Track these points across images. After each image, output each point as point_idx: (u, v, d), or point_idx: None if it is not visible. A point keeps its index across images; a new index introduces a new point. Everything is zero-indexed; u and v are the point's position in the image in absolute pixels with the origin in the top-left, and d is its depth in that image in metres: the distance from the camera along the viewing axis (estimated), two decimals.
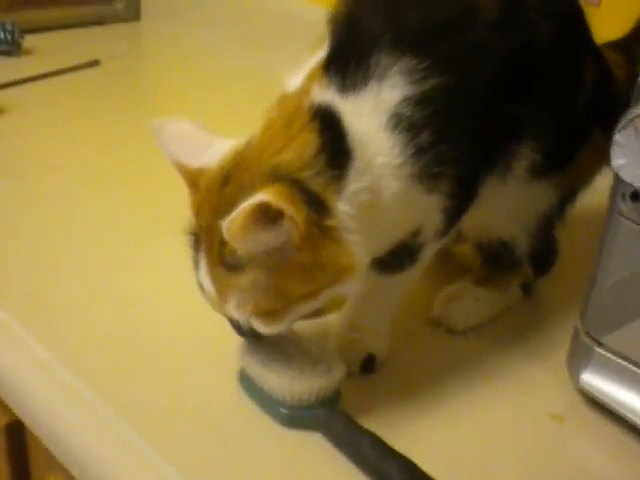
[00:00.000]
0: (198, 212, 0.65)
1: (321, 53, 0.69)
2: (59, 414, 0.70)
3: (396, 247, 0.70)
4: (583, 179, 0.86)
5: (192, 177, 0.66)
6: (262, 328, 0.64)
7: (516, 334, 0.83)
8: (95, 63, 1.50)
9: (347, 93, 0.65)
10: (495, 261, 0.86)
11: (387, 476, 0.61)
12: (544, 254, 0.87)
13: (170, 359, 0.76)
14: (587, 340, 0.72)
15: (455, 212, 0.72)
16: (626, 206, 0.67)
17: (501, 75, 0.70)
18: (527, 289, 0.88)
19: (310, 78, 0.67)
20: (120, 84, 1.48)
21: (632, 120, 0.63)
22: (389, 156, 0.64)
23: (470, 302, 0.82)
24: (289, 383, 0.67)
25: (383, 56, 0.64)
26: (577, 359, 0.73)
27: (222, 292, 0.63)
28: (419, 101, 0.65)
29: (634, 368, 0.69)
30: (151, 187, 1.06)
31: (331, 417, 0.66)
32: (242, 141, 0.65)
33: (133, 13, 1.78)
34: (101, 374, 0.73)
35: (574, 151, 0.81)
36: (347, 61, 0.66)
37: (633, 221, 0.67)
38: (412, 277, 0.75)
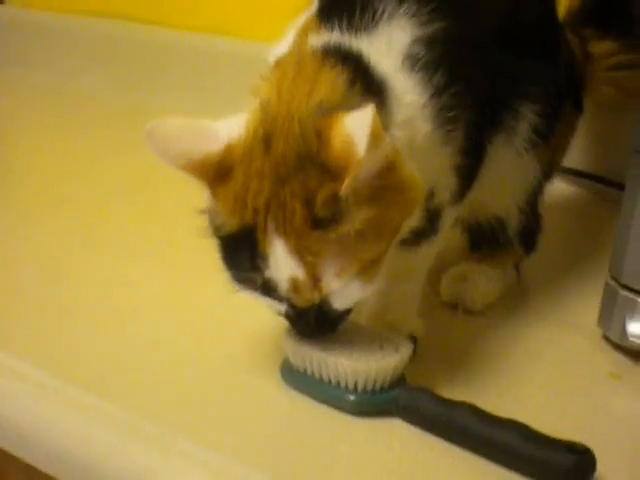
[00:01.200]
0: (245, 196, 0.57)
1: (304, 16, 0.67)
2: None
3: None
4: (560, 154, 0.87)
5: (215, 165, 0.57)
6: (361, 291, 0.57)
7: (526, 311, 0.81)
8: None
9: (359, 33, 0.62)
10: (488, 242, 0.83)
11: (503, 442, 0.56)
12: (531, 231, 0.86)
13: (202, 366, 0.68)
14: (627, 293, 0.71)
15: (467, 172, 0.70)
16: None
17: (502, 26, 0.71)
18: (517, 270, 0.86)
19: (301, 35, 0.65)
20: None
21: None
22: (414, 94, 0.62)
23: (482, 280, 0.80)
24: (361, 366, 0.60)
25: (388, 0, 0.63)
26: (618, 316, 0.71)
27: (317, 264, 0.56)
28: (428, 42, 0.63)
29: None
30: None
31: (412, 395, 0.60)
32: (255, 108, 0.59)
33: None
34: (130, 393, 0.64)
35: (555, 122, 0.81)
36: (350, 6, 0.63)
37: None
38: (435, 250, 0.72)
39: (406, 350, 0.62)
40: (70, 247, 0.90)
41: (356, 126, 0.52)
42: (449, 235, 0.86)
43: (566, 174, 1.03)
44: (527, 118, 0.75)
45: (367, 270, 0.57)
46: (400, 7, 0.63)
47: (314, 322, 0.59)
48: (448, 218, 0.71)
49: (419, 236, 0.68)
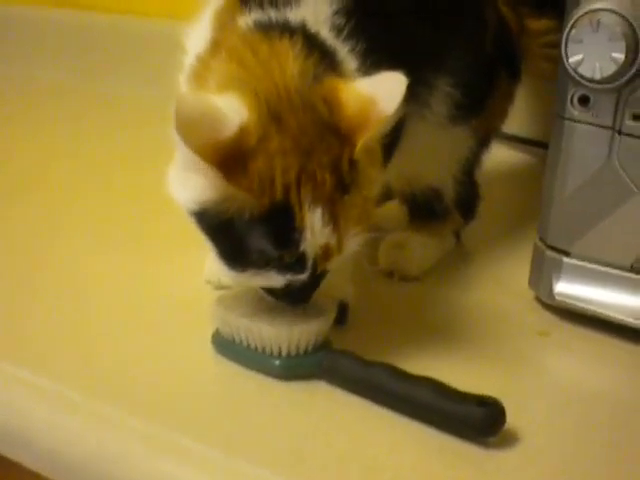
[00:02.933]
0: (272, 175, 0.56)
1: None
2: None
3: None
4: (495, 124, 0.88)
5: (230, 152, 0.55)
6: (355, 247, 0.60)
7: (463, 276, 0.82)
8: None
9: (285, 7, 0.64)
10: (426, 211, 0.85)
11: (419, 399, 0.57)
12: (469, 199, 0.87)
13: (138, 333, 0.70)
14: (553, 254, 0.72)
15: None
16: (576, 109, 0.68)
17: None
18: (457, 237, 0.88)
19: (223, 15, 0.66)
20: None
21: (585, 14, 0.64)
22: (349, 62, 0.64)
23: (418, 248, 0.81)
24: (284, 331, 0.62)
25: None
26: (545, 276, 0.73)
27: (345, 227, 0.58)
28: (345, 13, 0.65)
29: (607, 268, 0.70)
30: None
31: (336, 357, 0.62)
32: (238, 88, 0.59)
33: None
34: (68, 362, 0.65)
35: (486, 94, 0.83)
36: None
37: (586, 123, 0.68)
38: None
39: (329, 314, 0.64)
40: (40, 230, 0.91)
41: (380, 88, 0.56)
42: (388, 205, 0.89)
43: (509, 140, 1.04)
44: (444, 91, 0.76)
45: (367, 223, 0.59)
46: None
47: (310, 288, 0.61)
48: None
49: None
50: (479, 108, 0.82)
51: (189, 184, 0.58)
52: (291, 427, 0.59)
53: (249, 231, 0.57)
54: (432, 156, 0.80)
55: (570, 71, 0.66)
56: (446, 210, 0.85)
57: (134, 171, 1.07)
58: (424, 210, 0.84)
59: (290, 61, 0.59)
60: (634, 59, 0.64)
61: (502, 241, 0.89)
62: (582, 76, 0.65)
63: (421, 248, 0.81)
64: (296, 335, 0.61)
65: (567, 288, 0.72)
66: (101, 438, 0.58)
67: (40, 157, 1.17)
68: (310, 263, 0.58)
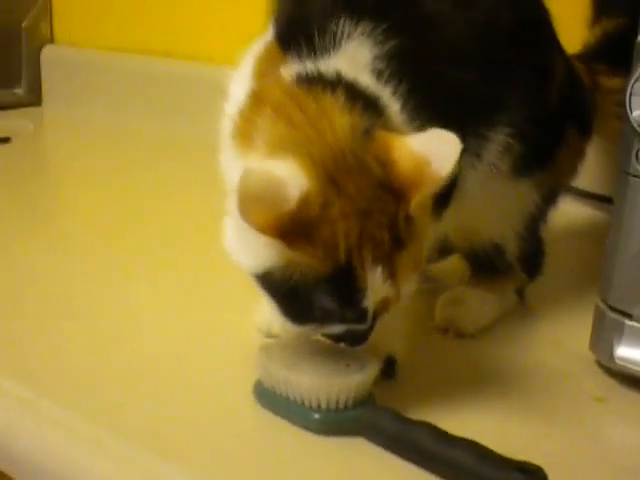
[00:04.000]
0: (335, 240, 0.56)
1: (259, 42, 0.68)
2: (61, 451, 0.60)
3: None
4: (562, 179, 0.85)
5: (294, 223, 0.54)
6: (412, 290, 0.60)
7: (522, 335, 0.79)
8: (6, 140, 1.42)
9: (324, 55, 0.64)
10: (488, 267, 0.83)
11: (458, 462, 0.55)
12: (533, 256, 0.84)
13: (177, 382, 0.69)
14: (615, 315, 0.69)
15: None
16: None
17: (459, 45, 0.70)
18: (520, 294, 0.85)
19: (263, 63, 0.66)
20: (32, 159, 1.46)
21: None
22: (393, 104, 0.63)
23: (475, 304, 0.78)
24: (323, 384, 0.60)
25: (343, 22, 0.64)
26: (606, 338, 0.69)
27: (402, 278, 0.59)
28: (387, 58, 0.65)
29: None
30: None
31: (376, 414, 0.60)
32: (296, 152, 0.58)
33: (35, 98, 1.73)
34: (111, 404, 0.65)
35: (552, 148, 0.81)
36: (308, 30, 0.64)
37: None
38: None
39: (372, 369, 0.62)
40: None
41: (433, 147, 0.56)
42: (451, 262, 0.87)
43: (580, 195, 1.01)
44: (501, 143, 0.74)
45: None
46: (356, 28, 0.64)
47: (369, 331, 0.61)
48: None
49: None
50: (544, 162, 0.79)
51: (250, 249, 0.58)
52: None
53: (313, 291, 0.57)
54: (492, 210, 0.77)
55: (634, 125, 0.63)
56: (508, 266, 0.82)
57: (196, 218, 1.08)
58: (485, 265, 0.82)
59: (337, 117, 0.58)
60: None
61: (567, 300, 0.86)
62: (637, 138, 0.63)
63: (478, 305, 0.78)
64: (335, 389, 0.60)
65: (629, 352, 0.68)
66: None
67: (104, 197, 1.19)
68: (370, 315, 0.59)
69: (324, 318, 0.59)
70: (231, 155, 0.64)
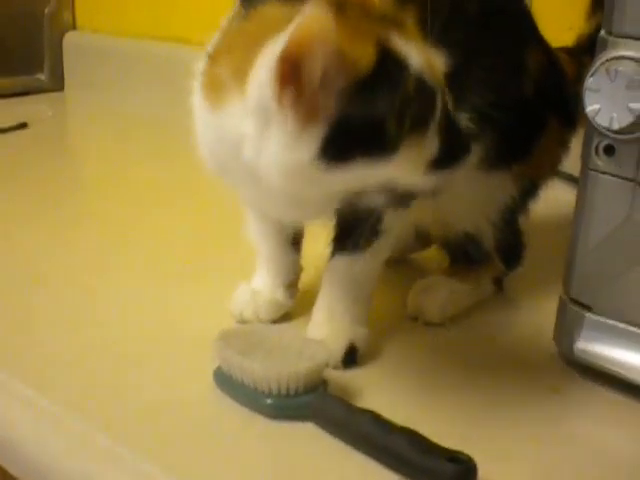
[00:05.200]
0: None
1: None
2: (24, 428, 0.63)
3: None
4: (543, 171, 0.85)
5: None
6: None
7: (494, 324, 0.80)
8: (23, 126, 1.46)
9: None
10: (464, 256, 0.84)
11: (394, 450, 0.56)
12: (512, 247, 0.85)
13: (143, 365, 0.71)
14: (575, 308, 0.70)
15: None
16: (600, 160, 0.66)
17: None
18: (499, 284, 0.86)
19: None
20: (49, 145, 1.48)
21: (603, 64, 0.62)
22: None
23: (445, 293, 0.80)
24: (274, 369, 0.62)
25: None
26: (567, 330, 0.70)
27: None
28: None
29: (629, 327, 0.67)
30: (89, 243, 1.02)
31: (324, 401, 0.62)
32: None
33: (57, 83, 1.77)
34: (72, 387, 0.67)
35: (531, 140, 0.81)
36: None
37: (610, 174, 0.66)
38: (381, 257, 0.73)
39: (321, 357, 0.63)
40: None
41: None
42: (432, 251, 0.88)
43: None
44: (478, 138, 0.74)
45: None
46: None
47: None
48: (393, 222, 0.71)
49: (357, 242, 0.70)
50: (521, 154, 0.79)
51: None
52: (273, 467, 0.59)
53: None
54: (464, 200, 0.78)
55: (590, 119, 0.64)
56: (485, 256, 0.83)
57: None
58: (461, 255, 0.83)
59: None
60: None
61: (548, 290, 0.86)
62: (600, 126, 0.63)
63: (449, 294, 0.80)
64: (285, 375, 0.62)
65: (588, 345, 0.69)
66: (87, 465, 0.59)
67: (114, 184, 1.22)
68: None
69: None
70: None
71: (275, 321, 0.77)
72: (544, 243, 0.93)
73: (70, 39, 1.78)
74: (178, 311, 0.80)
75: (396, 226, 0.72)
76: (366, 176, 0.57)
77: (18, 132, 1.45)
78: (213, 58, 0.63)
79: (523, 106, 0.78)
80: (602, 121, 0.63)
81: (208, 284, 0.85)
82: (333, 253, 0.72)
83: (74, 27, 1.79)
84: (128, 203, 1.15)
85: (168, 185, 1.23)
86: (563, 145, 0.86)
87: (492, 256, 0.84)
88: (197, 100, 0.65)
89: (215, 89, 0.61)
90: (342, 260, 0.71)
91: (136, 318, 0.79)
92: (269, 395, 0.63)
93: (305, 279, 0.81)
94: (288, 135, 0.55)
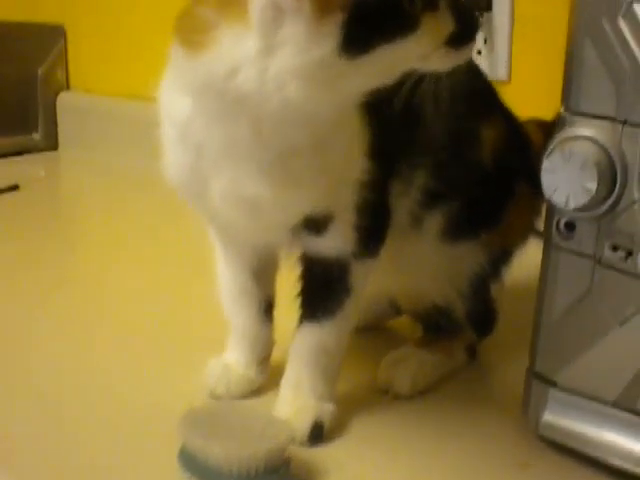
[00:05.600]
0: None
1: None
2: None
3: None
4: (514, 238, 0.85)
5: None
6: None
7: (466, 395, 0.80)
8: (15, 188, 1.48)
9: None
10: (436, 327, 0.84)
11: None
12: (483, 316, 0.85)
13: (113, 441, 0.71)
14: (540, 382, 0.70)
15: (371, 208, 0.69)
16: (561, 237, 0.67)
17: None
18: (472, 352, 0.86)
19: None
20: (39, 207, 1.48)
21: (557, 145, 0.63)
22: None
23: (415, 366, 0.79)
24: (235, 451, 0.62)
25: None
26: (533, 404, 0.70)
27: None
28: None
29: (592, 402, 0.67)
30: (72, 308, 1.02)
31: None
32: None
33: (51, 143, 1.79)
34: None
35: (498, 209, 0.81)
36: None
37: (570, 251, 0.66)
38: (350, 322, 0.73)
39: (284, 437, 0.64)
40: None
41: None
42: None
43: None
44: (439, 210, 0.75)
45: None
46: None
47: None
48: (360, 280, 0.71)
49: (330, 296, 0.71)
50: (486, 223, 0.80)
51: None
52: None
53: None
54: (432, 273, 0.78)
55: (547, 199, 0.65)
56: (456, 326, 0.83)
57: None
58: (432, 326, 0.83)
59: None
60: (611, 189, 0.62)
61: (524, 355, 0.86)
62: (557, 205, 0.64)
63: (419, 366, 0.80)
64: (246, 457, 0.62)
65: (554, 420, 0.69)
66: None
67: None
68: None
69: None
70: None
71: (245, 396, 0.77)
72: (520, 304, 0.92)
73: (64, 99, 1.81)
74: (149, 384, 0.80)
75: (363, 286, 0.72)
76: (387, 62, 0.57)
77: (9, 194, 1.46)
78: (185, 10, 0.62)
79: (484, 175, 0.78)
80: (559, 200, 0.63)
81: (181, 356, 0.85)
82: (301, 321, 0.73)
83: (67, 87, 1.81)
84: (112, 267, 1.16)
85: (155, 249, 1.24)
86: (534, 211, 0.86)
87: (464, 325, 0.83)
88: (169, 82, 0.65)
89: (196, 32, 0.59)
90: (311, 328, 0.72)
91: (106, 392, 0.79)
92: (231, 477, 0.63)
93: (276, 352, 0.81)
94: (307, 31, 0.54)
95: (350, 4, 0.54)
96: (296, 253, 0.73)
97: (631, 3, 0.61)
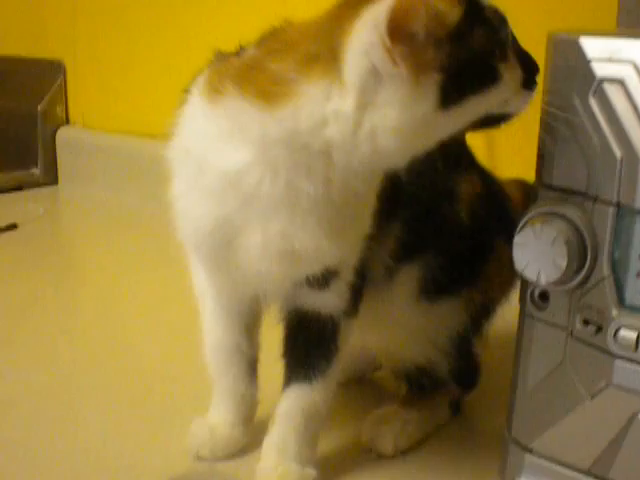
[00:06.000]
0: None
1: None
2: None
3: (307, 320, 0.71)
4: (494, 294, 0.86)
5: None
6: None
7: (449, 453, 0.81)
8: (13, 227, 1.49)
9: None
10: (418, 384, 0.85)
11: None
12: (466, 371, 0.86)
13: None
14: (516, 448, 0.71)
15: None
16: (535, 307, 0.68)
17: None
18: (456, 407, 0.87)
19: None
20: (38, 247, 1.49)
21: (528, 221, 0.64)
22: None
23: (398, 425, 0.81)
24: None
25: None
26: (509, 469, 0.72)
27: None
28: None
29: (566, 470, 0.68)
30: (72, 346, 1.04)
31: None
32: None
33: (51, 178, 1.81)
34: None
35: (476, 266, 0.82)
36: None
37: (544, 322, 0.67)
38: (335, 381, 0.74)
39: None
40: None
41: None
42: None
43: None
44: (415, 265, 0.76)
45: None
46: None
47: None
48: (347, 335, 0.73)
49: (322, 354, 0.72)
50: (465, 280, 0.81)
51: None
52: None
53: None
54: (412, 334, 0.80)
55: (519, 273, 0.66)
56: (440, 383, 0.84)
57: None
58: (415, 384, 0.84)
59: None
60: (582, 264, 0.63)
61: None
62: (529, 279, 0.65)
63: (402, 426, 0.81)
64: None
65: None
66: None
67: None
68: None
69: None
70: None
71: (230, 457, 0.78)
72: (505, 351, 0.93)
73: (63, 134, 1.83)
74: (132, 445, 0.81)
75: (348, 344, 0.73)
76: (474, 110, 0.62)
77: (7, 234, 1.47)
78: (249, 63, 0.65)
79: (460, 231, 0.79)
80: (530, 275, 0.65)
81: (164, 415, 0.86)
82: (289, 382, 0.74)
83: (67, 122, 1.83)
84: (107, 316, 1.17)
85: (151, 292, 1.25)
86: (514, 267, 0.87)
87: (447, 381, 0.84)
88: (212, 121, 0.66)
89: (273, 85, 0.62)
90: (300, 389, 0.73)
91: (88, 454, 0.80)
92: None
93: (259, 411, 0.82)
94: (407, 93, 0.59)
95: (444, 65, 0.59)
96: (286, 309, 0.74)
97: (601, 82, 0.62)
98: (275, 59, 0.63)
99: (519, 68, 0.64)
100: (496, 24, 0.63)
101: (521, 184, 0.90)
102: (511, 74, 0.63)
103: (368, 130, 0.60)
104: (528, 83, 0.65)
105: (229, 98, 0.63)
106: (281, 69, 0.62)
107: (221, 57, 0.70)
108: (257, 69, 0.63)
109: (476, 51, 0.61)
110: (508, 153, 1.17)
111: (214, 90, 0.65)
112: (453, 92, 0.60)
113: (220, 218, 0.66)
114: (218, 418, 0.80)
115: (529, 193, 0.89)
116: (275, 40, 0.65)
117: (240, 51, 0.69)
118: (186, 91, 0.70)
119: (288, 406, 0.73)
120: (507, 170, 0.95)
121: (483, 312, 0.85)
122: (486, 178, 0.85)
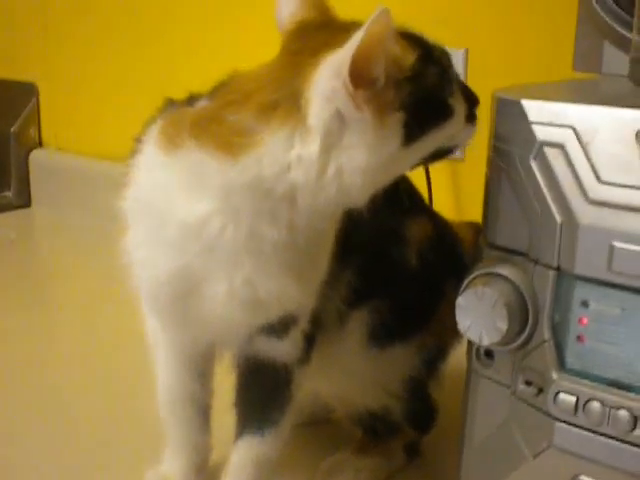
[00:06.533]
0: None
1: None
2: None
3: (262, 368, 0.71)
4: (448, 337, 0.85)
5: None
6: None
7: None
8: None
9: None
10: (372, 430, 0.85)
11: None
12: (421, 414, 0.86)
13: None
14: None
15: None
16: (480, 364, 0.68)
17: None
18: (413, 449, 0.87)
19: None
20: (10, 270, 1.50)
21: (470, 282, 0.65)
22: None
23: (351, 474, 0.81)
24: None
25: None
26: None
27: None
28: None
29: None
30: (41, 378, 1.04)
31: None
32: None
33: (24, 200, 1.81)
34: None
35: (427, 310, 0.82)
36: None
37: (489, 378, 0.68)
38: (288, 429, 0.73)
39: None
40: None
41: None
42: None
43: None
44: (365, 309, 0.76)
45: None
46: None
47: None
48: (299, 384, 0.73)
49: (275, 404, 0.72)
50: (415, 325, 0.81)
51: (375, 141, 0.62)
52: None
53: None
54: (363, 380, 0.80)
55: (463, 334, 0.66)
56: (393, 427, 0.84)
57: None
58: (368, 429, 0.84)
59: None
60: (523, 326, 0.64)
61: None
62: (472, 341, 0.65)
63: (355, 474, 0.81)
64: None
65: None
66: None
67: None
68: None
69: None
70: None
71: None
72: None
73: (36, 157, 1.82)
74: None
75: (299, 392, 0.73)
76: (432, 143, 0.65)
77: None
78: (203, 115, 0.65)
79: (409, 275, 0.79)
80: (473, 337, 0.65)
81: (116, 467, 0.86)
82: (241, 433, 0.74)
83: (40, 145, 1.83)
84: (76, 340, 1.17)
85: (123, 318, 1.24)
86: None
87: (402, 426, 0.85)
88: (174, 175, 0.65)
89: (234, 136, 0.62)
90: (252, 441, 0.73)
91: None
92: None
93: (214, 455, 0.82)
94: (373, 135, 0.60)
95: (405, 105, 0.61)
96: (240, 356, 0.73)
97: (542, 145, 0.63)
98: (233, 110, 0.63)
99: (463, 102, 0.67)
100: (444, 62, 0.66)
101: (475, 226, 0.91)
102: (459, 108, 0.66)
103: (334, 171, 0.61)
104: (470, 117, 0.68)
105: (187, 151, 0.63)
106: (240, 120, 0.62)
107: (172, 106, 0.70)
108: (215, 121, 0.63)
109: (431, 89, 0.64)
110: (474, 196, 1.16)
111: (170, 142, 0.64)
112: (415, 128, 0.62)
113: (181, 268, 0.65)
114: (171, 468, 0.80)
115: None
116: (229, 91, 0.65)
117: (190, 99, 0.69)
118: (138, 140, 0.69)
119: (240, 457, 0.73)
120: (472, 213, 0.94)
121: (438, 355, 0.85)
122: (436, 221, 0.85)
